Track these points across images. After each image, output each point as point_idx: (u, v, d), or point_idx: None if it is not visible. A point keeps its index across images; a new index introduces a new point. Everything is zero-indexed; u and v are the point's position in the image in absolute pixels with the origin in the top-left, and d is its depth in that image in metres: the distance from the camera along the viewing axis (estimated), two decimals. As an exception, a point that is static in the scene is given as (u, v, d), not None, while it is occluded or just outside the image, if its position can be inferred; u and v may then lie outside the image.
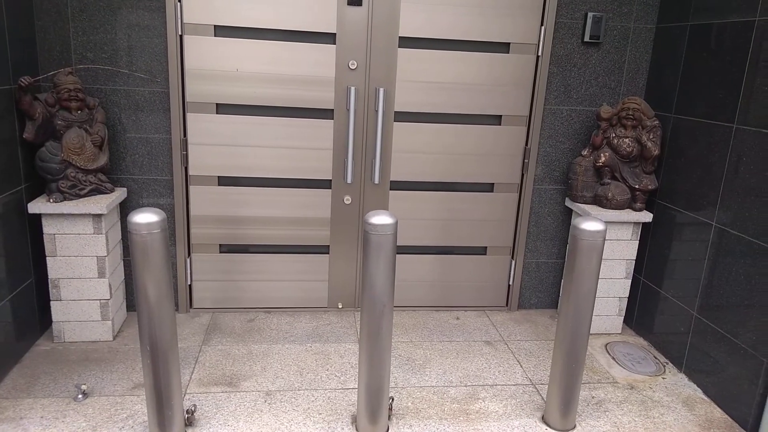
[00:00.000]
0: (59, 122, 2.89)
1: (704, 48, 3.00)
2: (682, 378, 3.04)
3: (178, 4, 3.04)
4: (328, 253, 3.55)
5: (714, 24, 2.92)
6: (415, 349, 3.18)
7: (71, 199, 2.91)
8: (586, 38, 3.32)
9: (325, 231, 3.49)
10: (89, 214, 2.89)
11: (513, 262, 3.69)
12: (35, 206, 2.83)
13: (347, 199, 3.45)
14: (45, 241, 2.89)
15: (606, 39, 3.36)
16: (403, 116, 3.36)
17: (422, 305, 3.72)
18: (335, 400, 2.68)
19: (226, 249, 3.46)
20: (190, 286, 3.48)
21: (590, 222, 2.33)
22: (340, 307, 3.64)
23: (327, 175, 3.40)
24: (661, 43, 3.35)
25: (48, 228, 2.88)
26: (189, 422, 2.41)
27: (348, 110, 3.27)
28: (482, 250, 3.67)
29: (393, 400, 2.61)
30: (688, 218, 3.09)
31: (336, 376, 2.88)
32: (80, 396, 2.57)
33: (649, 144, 3.21)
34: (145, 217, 2.07)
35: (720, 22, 2.88)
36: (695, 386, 2.96)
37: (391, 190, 3.47)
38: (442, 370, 2.98)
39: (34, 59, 2.98)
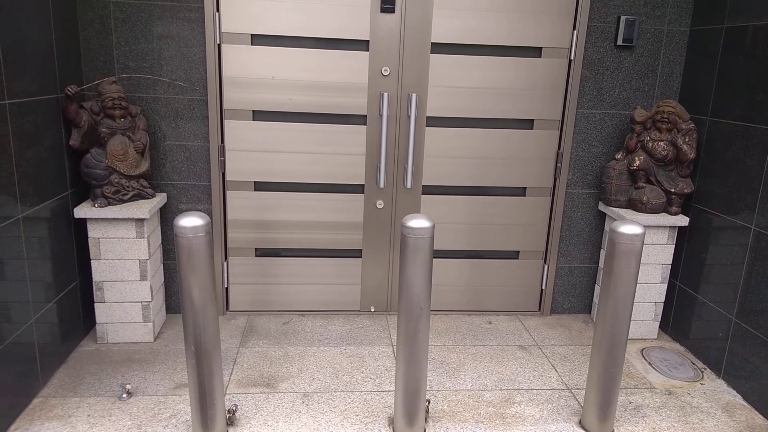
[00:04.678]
0: (103, 130, 2.99)
1: (740, 50, 2.97)
2: (721, 384, 2.99)
3: (217, 14, 3.12)
4: (360, 257, 3.59)
5: (750, 26, 2.90)
6: (448, 353, 3.20)
7: (115, 204, 3.00)
8: (619, 41, 3.31)
9: (357, 235, 3.54)
10: (132, 219, 2.98)
11: (546, 267, 3.68)
12: (81, 211, 2.92)
13: (380, 204, 3.49)
14: (90, 244, 2.99)
15: (639, 42, 3.35)
16: (435, 121, 3.40)
17: (454, 309, 3.73)
18: (371, 402, 2.71)
19: (262, 253, 3.52)
20: (226, 289, 3.55)
21: (628, 225, 2.32)
22: (372, 310, 3.67)
23: (360, 180, 3.45)
24: (696, 45, 3.32)
25: (93, 232, 2.98)
26: (230, 422, 2.47)
27: (381, 116, 3.31)
28: (514, 255, 3.67)
29: (429, 402, 2.63)
30: (725, 222, 3.05)
31: (371, 378, 2.91)
32: (125, 395, 2.65)
33: (685, 147, 3.18)
34: (190, 221, 2.13)
35: (756, 24, 2.85)
36: (735, 392, 2.92)
37: (423, 194, 3.50)
38: (476, 374, 2.99)
39: (78, 69, 3.09)
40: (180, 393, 2.71)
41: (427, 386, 2.83)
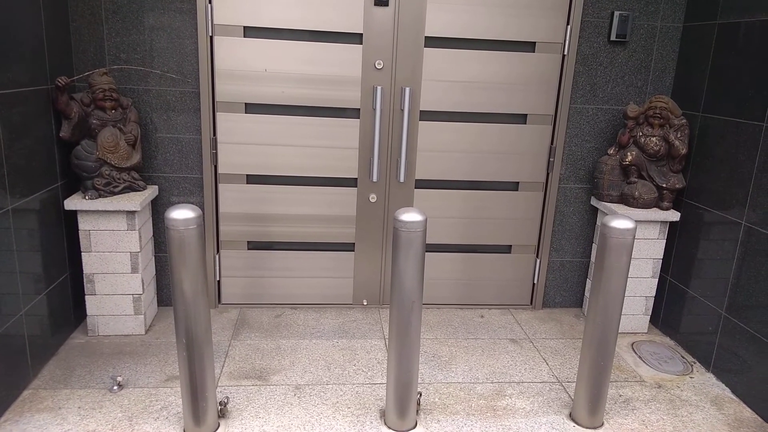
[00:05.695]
0: (94, 121, 2.97)
1: (733, 46, 2.98)
2: (710, 377, 3.02)
3: (209, 5, 3.10)
4: (353, 251, 3.58)
5: (743, 22, 2.91)
6: (440, 346, 3.21)
7: (106, 197, 2.99)
8: (613, 37, 3.31)
9: (350, 229, 3.53)
10: (123, 211, 2.96)
11: (538, 261, 3.70)
12: (71, 203, 2.91)
13: (373, 198, 3.49)
14: (80, 237, 2.97)
15: (632, 38, 3.36)
16: (428, 115, 3.39)
17: (446, 303, 3.74)
18: (363, 394, 2.71)
19: (254, 246, 3.52)
20: (218, 282, 3.54)
21: (620, 220, 2.33)
22: (365, 303, 3.68)
23: (353, 174, 3.44)
24: (689, 41, 3.33)
25: (83, 224, 2.96)
26: (222, 414, 2.47)
27: (374, 109, 3.30)
28: (507, 249, 3.68)
29: (421, 395, 2.64)
30: (716, 217, 3.07)
31: (363, 371, 2.91)
32: (115, 387, 2.64)
33: (677, 143, 3.19)
34: (182, 213, 2.12)
35: (749, 21, 2.86)
36: (723, 386, 2.94)
37: (416, 188, 3.50)
38: (468, 367, 3.00)
39: (69, 60, 3.06)
40: (171, 385, 2.70)
41: (419, 379, 2.84)
